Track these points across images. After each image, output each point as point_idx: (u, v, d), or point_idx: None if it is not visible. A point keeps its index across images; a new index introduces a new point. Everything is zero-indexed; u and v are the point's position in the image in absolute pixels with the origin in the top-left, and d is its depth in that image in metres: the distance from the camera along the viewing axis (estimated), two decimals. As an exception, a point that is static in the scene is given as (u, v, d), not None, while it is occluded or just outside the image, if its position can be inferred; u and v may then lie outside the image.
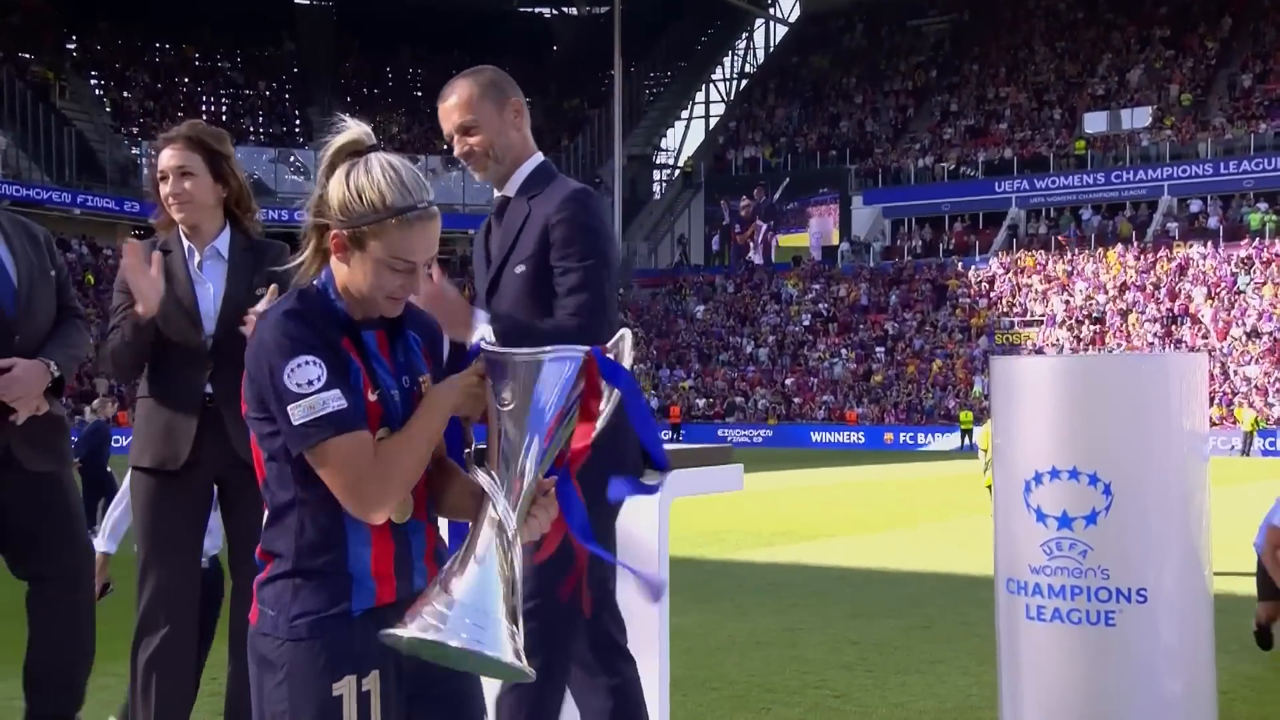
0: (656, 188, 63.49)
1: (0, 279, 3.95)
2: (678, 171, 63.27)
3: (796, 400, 45.68)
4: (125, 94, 57.27)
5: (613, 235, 3.45)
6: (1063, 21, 56.46)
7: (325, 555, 2.44)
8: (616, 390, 2.43)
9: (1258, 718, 7.05)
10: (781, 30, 66.11)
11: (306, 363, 2.37)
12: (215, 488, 4.04)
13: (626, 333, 2.49)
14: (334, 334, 2.45)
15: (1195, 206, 48.07)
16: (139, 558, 3.94)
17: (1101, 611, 3.09)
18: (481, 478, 2.40)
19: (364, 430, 2.40)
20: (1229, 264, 44.64)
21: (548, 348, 2.41)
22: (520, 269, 3.24)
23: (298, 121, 59.63)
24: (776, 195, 56.11)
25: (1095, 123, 51.44)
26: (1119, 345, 42.70)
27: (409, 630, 2.26)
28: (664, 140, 65.74)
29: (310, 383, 2.36)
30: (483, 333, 3.12)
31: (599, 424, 2.40)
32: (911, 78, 58.12)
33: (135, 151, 54.51)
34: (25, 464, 3.94)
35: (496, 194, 3.42)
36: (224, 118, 58.36)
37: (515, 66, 65.62)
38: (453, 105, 3.32)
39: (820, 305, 50.56)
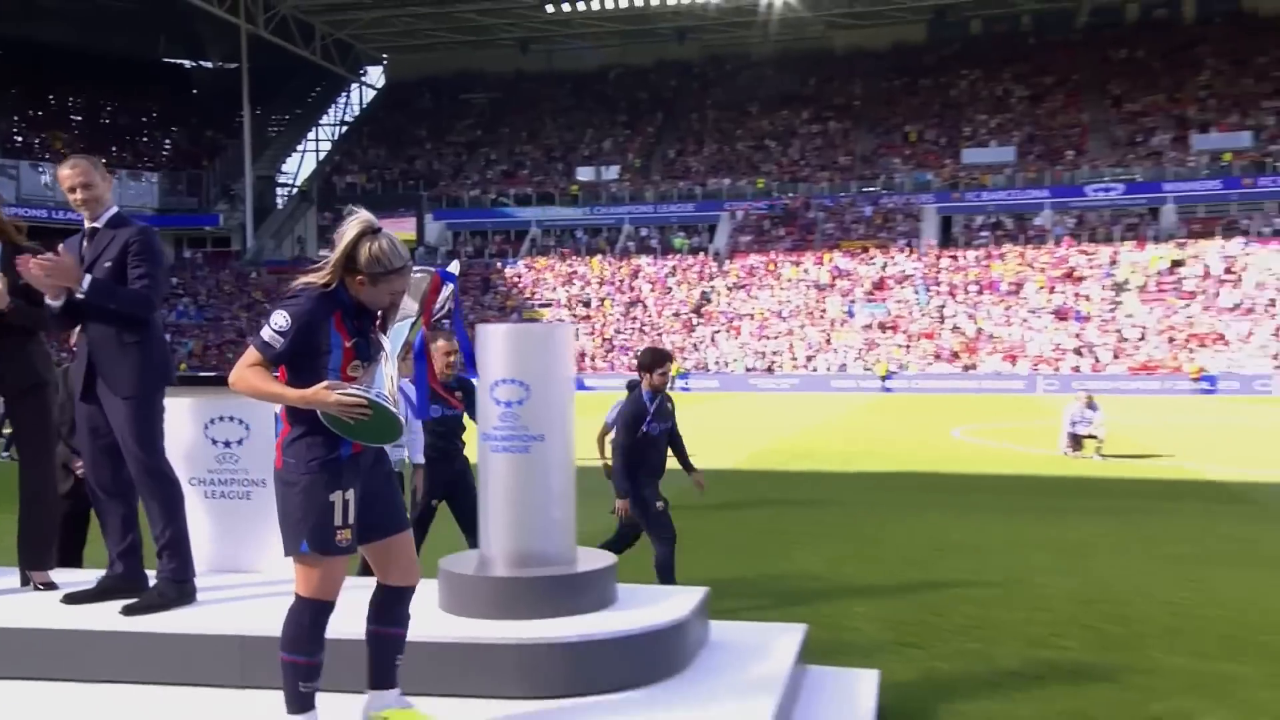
0: (280, 200, 59.49)
1: None
2: (296, 189, 59.37)
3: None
4: None
5: (164, 250, 4.03)
6: (562, 105, 57.48)
7: (316, 424, 2.79)
8: (450, 287, 3.08)
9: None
10: (371, 93, 63.88)
11: (286, 319, 2.79)
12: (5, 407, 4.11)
13: (456, 263, 3.29)
14: (330, 310, 2.83)
15: (645, 232, 49.96)
16: None
17: (527, 445, 3.71)
18: (382, 337, 2.90)
19: (268, 359, 2.79)
20: (663, 270, 46.67)
21: (418, 267, 3.00)
22: (108, 265, 3.71)
23: (-27, 133, 50.55)
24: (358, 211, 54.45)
25: (585, 174, 52.65)
26: (600, 321, 43.68)
27: (357, 389, 2.74)
28: (285, 165, 61.19)
29: (277, 326, 2.78)
30: (86, 285, 3.63)
31: (434, 308, 3.06)
32: (465, 134, 57.46)
33: None
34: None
35: (88, 224, 3.81)
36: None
37: (161, 102, 59.86)
38: (78, 171, 3.72)
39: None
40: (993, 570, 6.95)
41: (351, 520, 2.82)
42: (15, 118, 51.95)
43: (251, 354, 2.83)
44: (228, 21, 48.92)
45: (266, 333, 2.80)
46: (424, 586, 4.04)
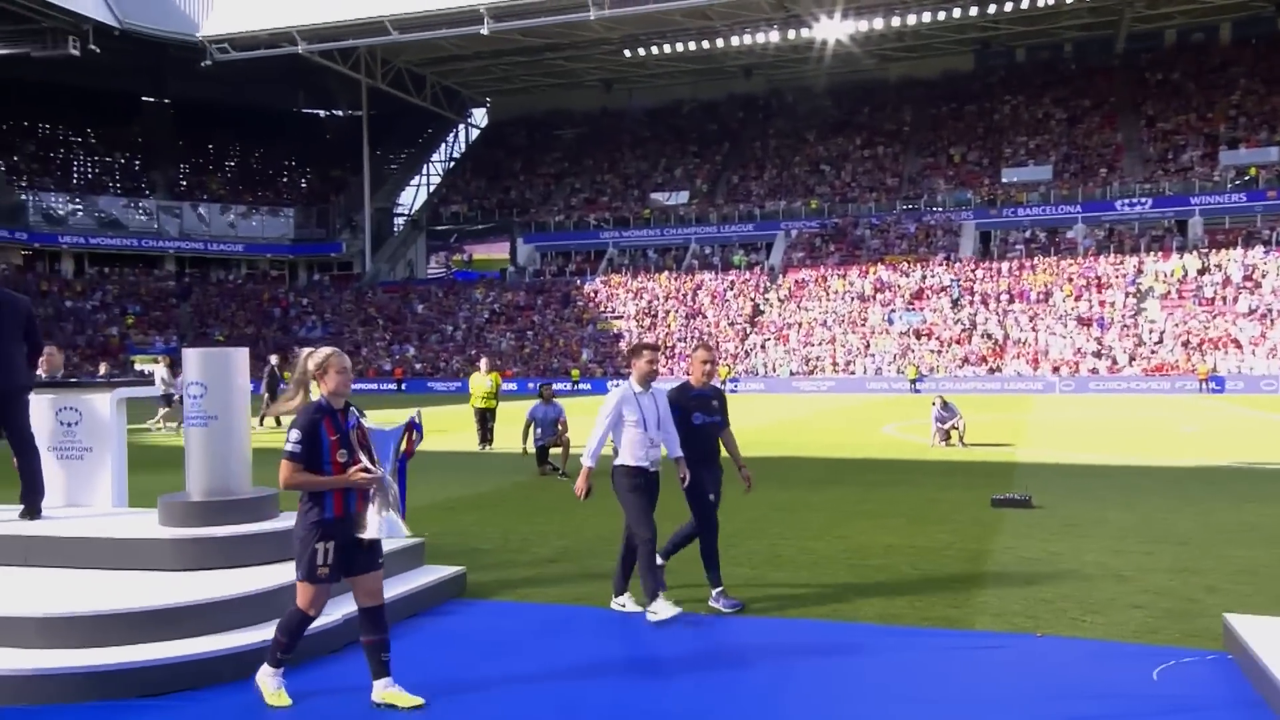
0: (395, 229, 63.39)
1: None
2: (408, 218, 62.97)
3: (479, 364, 46.02)
4: (15, 157, 52.85)
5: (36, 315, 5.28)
6: (639, 138, 58.95)
7: (318, 499, 3.68)
8: (417, 433, 3.95)
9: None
10: (475, 132, 67.00)
11: (298, 433, 3.66)
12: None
13: (419, 412, 4.11)
14: (321, 417, 3.66)
15: (708, 250, 50.78)
16: None
17: (207, 422, 5.28)
18: (378, 470, 3.71)
19: (299, 463, 3.59)
20: (723, 285, 47.39)
21: (389, 424, 3.75)
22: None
23: (144, 180, 55.95)
24: (459, 235, 57.04)
25: (657, 199, 53.91)
26: (665, 331, 44.56)
27: (369, 531, 3.68)
28: (400, 198, 64.86)
29: (295, 439, 3.65)
30: None
31: (415, 448, 4.01)
32: (553, 166, 59.50)
33: (23, 197, 50.83)
34: None
35: None
36: (90, 175, 54.85)
37: (297, 148, 65.32)
38: None
39: (495, 305, 51.10)
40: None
41: (330, 562, 3.71)
42: (181, 165, 57.57)
43: (288, 464, 3.69)
44: (351, 76, 53.06)
45: (290, 446, 3.66)
46: (149, 512, 5.78)
